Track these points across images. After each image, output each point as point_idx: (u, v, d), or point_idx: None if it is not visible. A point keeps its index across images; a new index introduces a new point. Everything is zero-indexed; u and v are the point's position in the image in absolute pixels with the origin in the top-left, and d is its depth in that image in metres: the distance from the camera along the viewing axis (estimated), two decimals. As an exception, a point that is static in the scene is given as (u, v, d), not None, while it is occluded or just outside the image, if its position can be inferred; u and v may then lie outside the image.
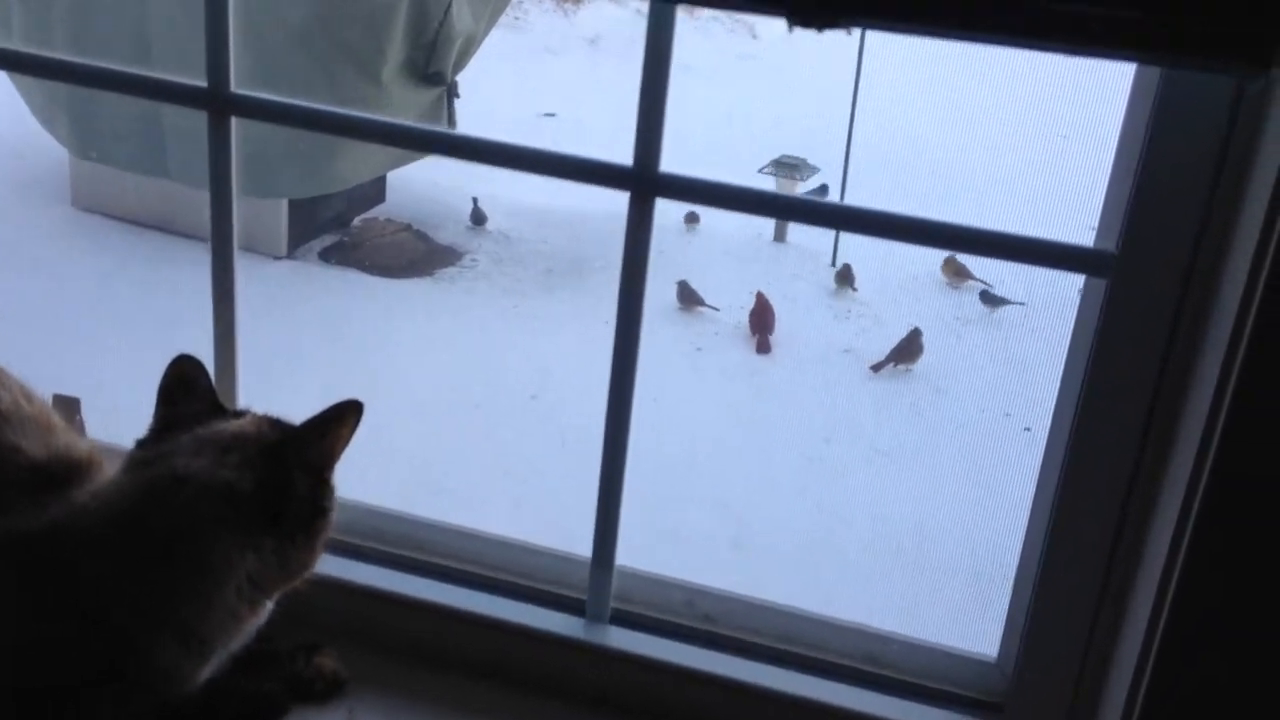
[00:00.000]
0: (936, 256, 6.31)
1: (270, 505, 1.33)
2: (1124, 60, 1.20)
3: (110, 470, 1.40)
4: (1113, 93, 1.49)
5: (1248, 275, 1.13)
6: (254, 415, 1.42)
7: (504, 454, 4.81)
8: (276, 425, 1.40)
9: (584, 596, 1.66)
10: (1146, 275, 1.29)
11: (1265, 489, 1.18)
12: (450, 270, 6.39)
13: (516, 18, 8.85)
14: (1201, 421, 1.22)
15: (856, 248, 6.46)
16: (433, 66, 5.85)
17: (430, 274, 6.36)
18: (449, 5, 5.68)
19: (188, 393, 1.41)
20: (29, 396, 1.49)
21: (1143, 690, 1.31)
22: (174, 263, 5.97)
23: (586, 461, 5.06)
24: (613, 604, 1.65)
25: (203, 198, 5.37)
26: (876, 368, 5.51)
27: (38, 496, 1.36)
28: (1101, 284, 1.36)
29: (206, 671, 1.38)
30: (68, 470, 1.40)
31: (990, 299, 5.78)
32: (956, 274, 6.18)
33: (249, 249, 5.92)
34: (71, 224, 6.21)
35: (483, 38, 6.17)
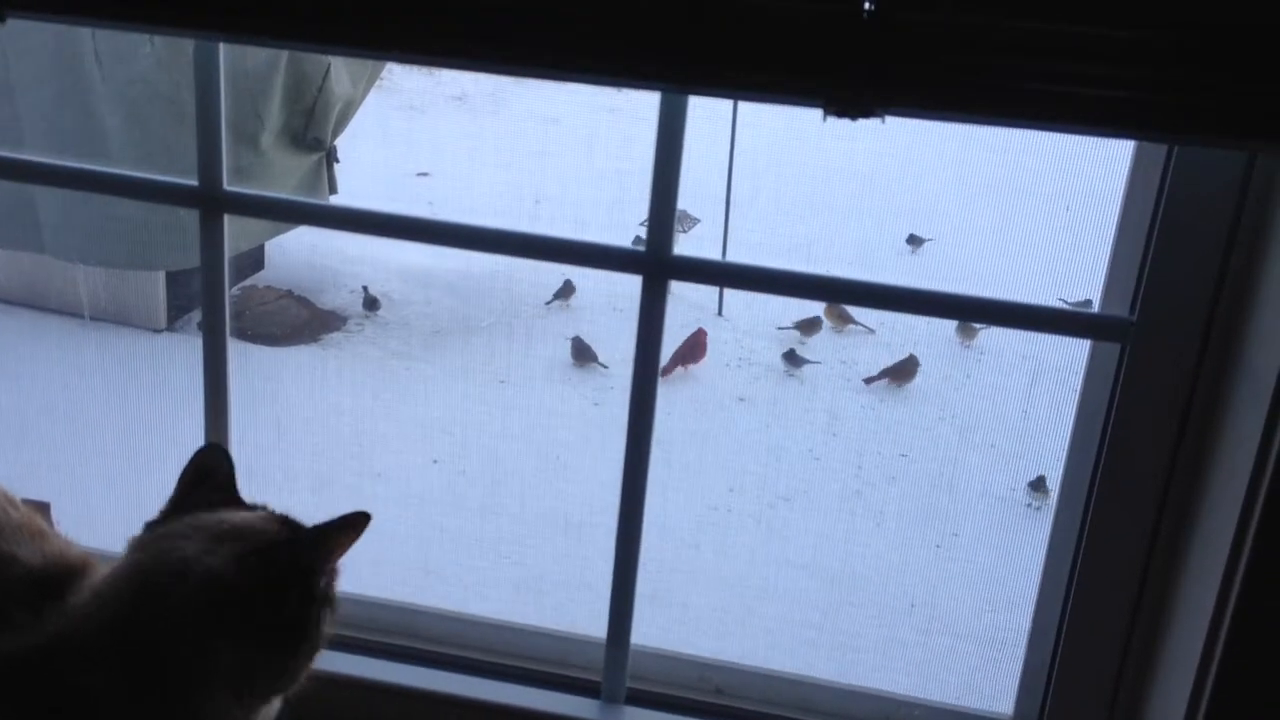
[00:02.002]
0: (818, 303, 6.40)
1: (263, 604, 1.27)
2: (1151, 140, 1.26)
3: (102, 571, 1.35)
4: (1111, 160, 1.55)
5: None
6: (267, 512, 1.36)
7: (413, 521, 4.73)
8: (286, 524, 1.34)
9: (595, 678, 1.65)
10: (1165, 338, 1.35)
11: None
12: (336, 335, 6.28)
13: (382, 77, 8.78)
14: (1238, 476, 1.27)
15: (737, 296, 6.54)
16: (312, 132, 5.78)
17: (316, 340, 6.24)
18: (327, 70, 5.62)
19: (206, 481, 1.36)
20: (14, 503, 1.43)
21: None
22: (46, 341, 5.77)
23: (499, 524, 4.98)
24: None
25: (74, 273, 5.15)
26: (869, 380, 5.60)
27: (37, 606, 1.31)
28: (1107, 350, 1.42)
29: None
30: (64, 576, 1.34)
31: (793, 359, 5.86)
32: (839, 319, 6.27)
33: (127, 322, 5.74)
34: (-68, 305, 5.96)
35: (361, 101, 6.11)
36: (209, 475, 1.36)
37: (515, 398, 5.69)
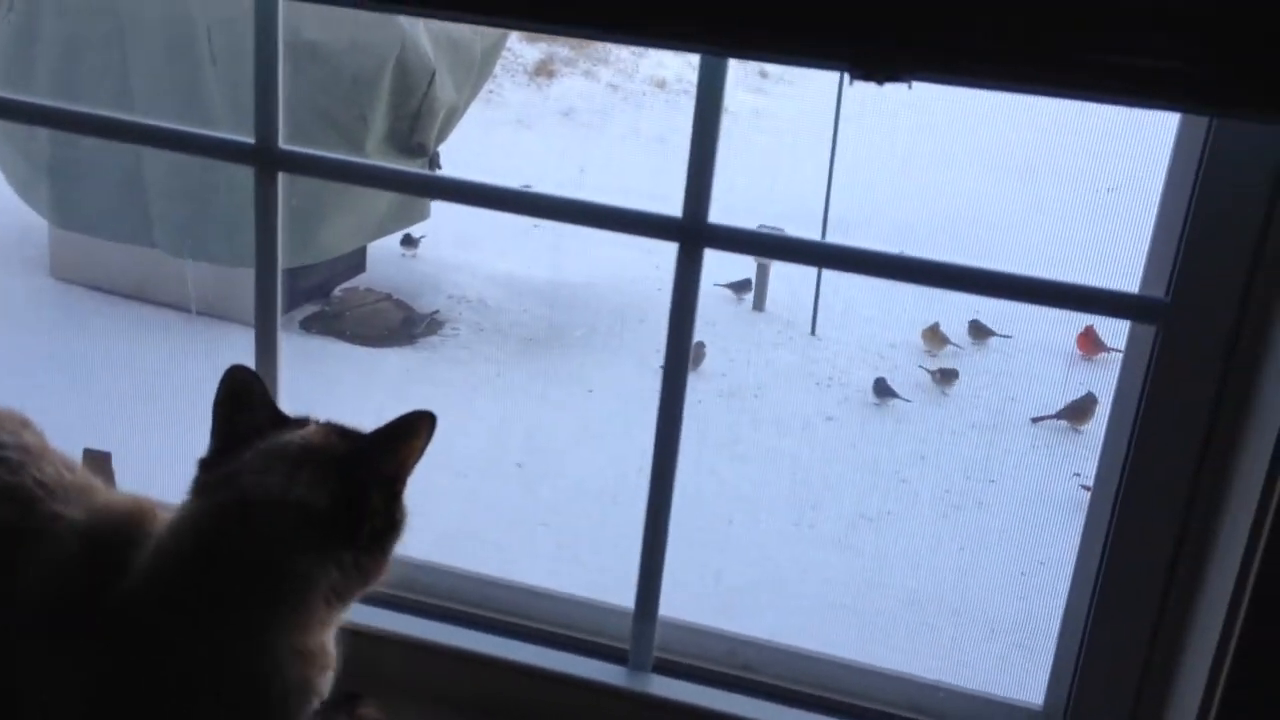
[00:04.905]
0: (915, 324, 6.40)
1: (346, 521, 1.28)
2: (1192, 112, 1.25)
3: (163, 515, 1.35)
4: (1155, 143, 1.53)
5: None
6: (319, 424, 1.36)
7: (491, 523, 4.79)
8: (345, 435, 1.34)
9: (625, 646, 1.66)
10: (1198, 319, 1.33)
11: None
12: (432, 339, 6.40)
13: (490, 91, 8.92)
14: (1260, 463, 1.24)
15: (832, 314, 6.55)
16: (416, 137, 5.89)
17: (412, 343, 6.36)
18: (432, 76, 5.73)
19: (245, 403, 1.35)
20: (69, 466, 1.46)
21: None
22: (154, 333, 5.96)
23: (575, 531, 5.02)
24: (655, 653, 1.66)
25: (183, 267, 5.28)
26: (1037, 420, 5.62)
27: (96, 564, 1.33)
28: (1146, 334, 1.40)
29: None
30: (116, 527, 1.37)
31: (883, 389, 5.86)
32: (937, 341, 6.24)
33: (229, 318, 5.90)
34: (50, 295, 6.18)
35: (464, 109, 6.22)
36: (246, 397, 1.35)
37: (600, 406, 5.74)
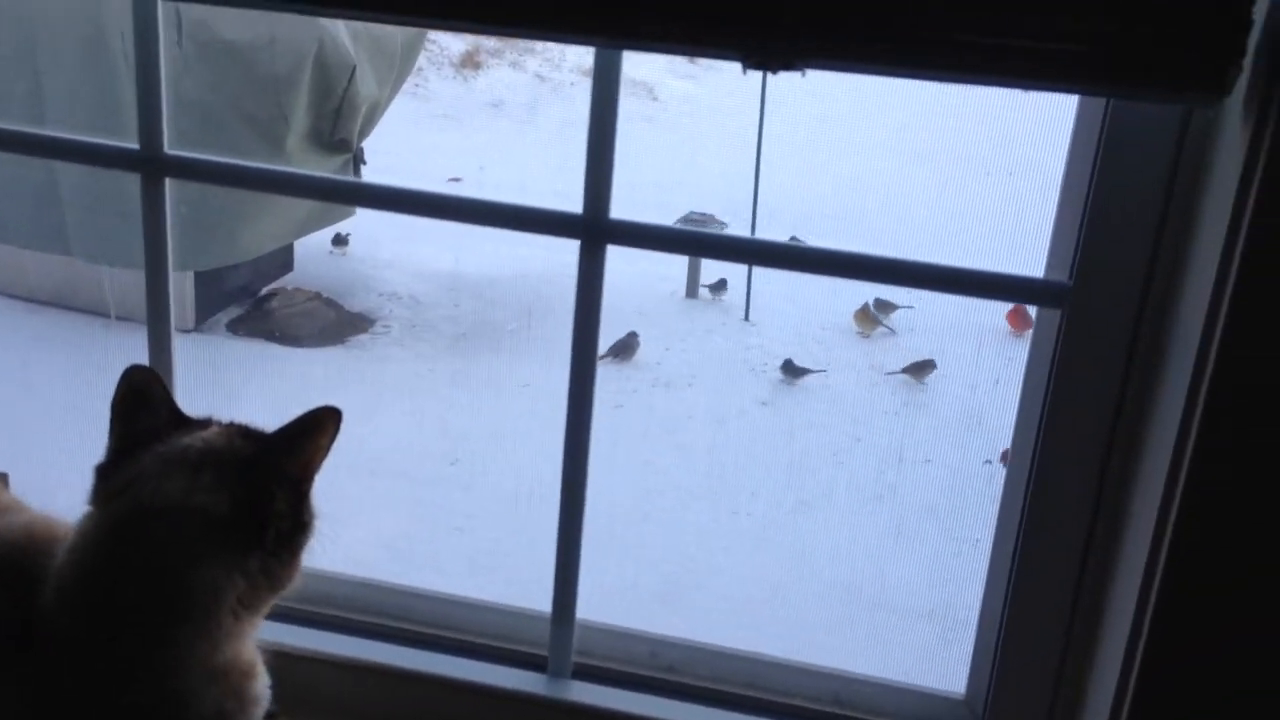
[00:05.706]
0: (848, 307, 6.43)
1: (250, 525, 1.22)
2: (1085, 93, 1.23)
3: (63, 533, 1.27)
4: (1055, 127, 1.52)
5: (1211, 294, 1.15)
6: (220, 426, 1.30)
7: (429, 522, 4.74)
8: (248, 436, 1.28)
9: (545, 653, 1.63)
10: (1101, 303, 1.31)
11: (1235, 513, 1.19)
12: (362, 337, 6.32)
13: (417, 85, 8.85)
14: (1166, 446, 1.23)
15: (765, 300, 6.55)
16: (338, 134, 5.81)
17: (342, 342, 6.28)
18: (352, 72, 5.65)
19: (144, 405, 1.28)
20: None
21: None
22: (72, 340, 5.85)
23: (512, 527, 4.98)
24: (574, 658, 1.63)
25: (101, 274, 5.16)
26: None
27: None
28: (1054, 316, 1.39)
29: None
30: (11, 555, 1.31)
31: (792, 369, 5.91)
32: (868, 321, 6.29)
33: (151, 323, 5.78)
34: (-34, 305, 6.06)
35: (387, 104, 6.14)
36: (144, 398, 1.28)
37: (534, 402, 5.71)
